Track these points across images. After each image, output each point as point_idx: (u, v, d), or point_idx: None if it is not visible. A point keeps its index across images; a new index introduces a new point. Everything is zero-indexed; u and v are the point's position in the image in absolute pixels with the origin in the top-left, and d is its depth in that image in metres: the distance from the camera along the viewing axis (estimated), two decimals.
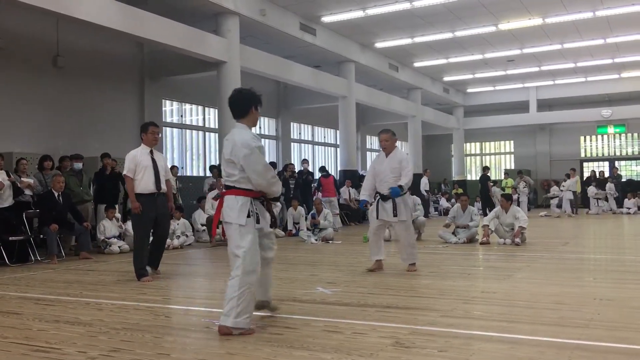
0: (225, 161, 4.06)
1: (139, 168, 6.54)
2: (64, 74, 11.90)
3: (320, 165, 17.81)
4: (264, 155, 4.05)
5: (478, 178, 20.22)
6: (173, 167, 12.73)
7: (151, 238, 6.87)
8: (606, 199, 20.41)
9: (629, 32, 16.34)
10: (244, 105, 4.12)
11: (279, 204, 11.80)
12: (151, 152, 6.70)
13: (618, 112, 23.93)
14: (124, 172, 6.67)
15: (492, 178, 24.36)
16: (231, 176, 4.01)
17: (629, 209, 19.32)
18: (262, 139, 18.32)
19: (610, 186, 20.12)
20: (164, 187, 6.69)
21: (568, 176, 19.15)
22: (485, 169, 19.10)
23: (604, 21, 15.23)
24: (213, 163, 14.21)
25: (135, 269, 6.51)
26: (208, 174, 14.04)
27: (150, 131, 6.67)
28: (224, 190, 4.09)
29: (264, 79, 15.63)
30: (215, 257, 8.93)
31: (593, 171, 22.31)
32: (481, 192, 18.09)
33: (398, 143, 6.87)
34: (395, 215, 6.47)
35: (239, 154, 3.95)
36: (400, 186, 6.41)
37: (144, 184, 6.54)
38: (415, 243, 6.84)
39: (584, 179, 22.58)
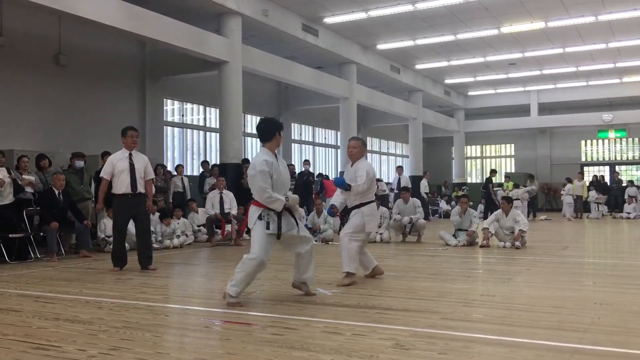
0: None
1: (116, 171, 7.04)
2: (66, 72, 11.92)
3: (318, 172, 17.86)
4: (270, 178, 4.79)
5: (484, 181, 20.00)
6: (179, 166, 12.77)
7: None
8: (606, 203, 20.42)
9: (631, 37, 16.36)
10: (269, 132, 5.00)
11: (301, 210, 11.65)
12: (130, 155, 7.13)
13: (619, 117, 23.95)
14: (101, 174, 7.28)
15: (494, 181, 24.34)
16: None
17: (629, 213, 19.33)
18: None
19: (633, 190, 20.04)
20: (140, 188, 7.12)
21: (569, 180, 19.15)
22: (492, 172, 19.02)
23: (606, 25, 15.24)
24: (214, 162, 14.21)
25: (112, 257, 7.28)
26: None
27: (129, 135, 7.17)
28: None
29: (266, 79, 15.66)
30: (215, 256, 8.92)
31: (595, 176, 22.28)
32: (484, 195, 18.04)
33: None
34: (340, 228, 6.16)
35: (249, 173, 4.92)
36: (348, 184, 6.01)
37: (120, 185, 7.03)
38: (345, 255, 6.05)
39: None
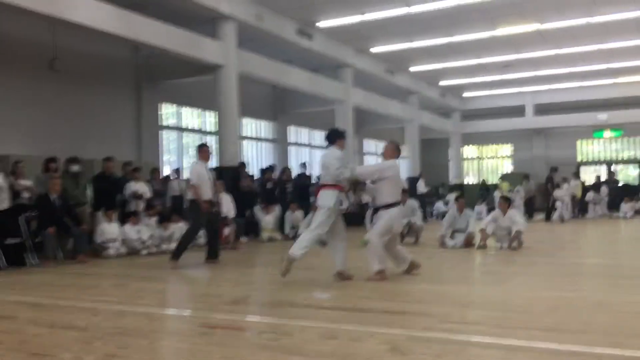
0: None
1: (202, 180, 7.98)
2: (61, 77, 11.89)
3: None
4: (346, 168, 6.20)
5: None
6: (176, 170, 12.74)
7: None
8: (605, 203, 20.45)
9: (624, 38, 16.40)
10: (331, 138, 6.43)
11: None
12: (206, 167, 8.23)
13: (614, 117, 24.00)
14: (192, 182, 8.04)
15: (489, 183, 24.35)
16: (324, 177, 6.35)
17: (626, 213, 19.36)
18: (260, 142, 18.52)
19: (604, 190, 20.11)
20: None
21: (565, 180, 19.15)
22: (552, 169, 18.96)
23: (600, 27, 15.29)
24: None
25: (176, 251, 7.93)
26: None
27: (204, 150, 8.31)
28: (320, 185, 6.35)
29: (261, 82, 15.65)
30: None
31: (575, 173, 22.19)
32: (481, 195, 18.08)
33: None
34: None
35: (328, 164, 6.28)
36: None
37: (207, 192, 8.02)
38: (375, 254, 6.36)
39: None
